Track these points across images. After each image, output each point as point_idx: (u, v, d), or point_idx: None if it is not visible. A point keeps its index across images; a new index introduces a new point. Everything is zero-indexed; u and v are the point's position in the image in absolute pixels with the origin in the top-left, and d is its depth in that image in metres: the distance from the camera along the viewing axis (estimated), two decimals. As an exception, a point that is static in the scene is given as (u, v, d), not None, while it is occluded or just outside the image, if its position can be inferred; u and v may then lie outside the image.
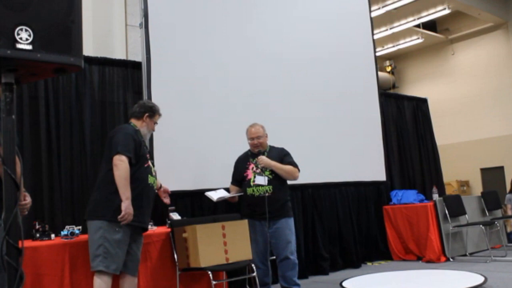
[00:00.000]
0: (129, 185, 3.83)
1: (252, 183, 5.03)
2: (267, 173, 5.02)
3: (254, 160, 5.11)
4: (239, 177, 5.19)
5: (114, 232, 3.81)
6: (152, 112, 4.29)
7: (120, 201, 3.79)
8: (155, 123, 4.36)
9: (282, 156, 5.15)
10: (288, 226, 5.05)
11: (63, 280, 4.05)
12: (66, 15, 1.80)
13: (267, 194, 4.94)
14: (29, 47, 1.68)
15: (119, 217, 3.76)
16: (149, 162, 4.15)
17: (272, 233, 5.02)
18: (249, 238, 4.79)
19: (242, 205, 5.27)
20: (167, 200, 4.66)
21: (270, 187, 4.98)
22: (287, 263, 5.00)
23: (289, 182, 5.24)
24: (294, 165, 5.12)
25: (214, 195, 5.11)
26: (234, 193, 5.20)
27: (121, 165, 3.83)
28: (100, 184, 3.99)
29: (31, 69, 1.79)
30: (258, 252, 4.99)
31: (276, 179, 5.03)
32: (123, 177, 3.82)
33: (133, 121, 4.25)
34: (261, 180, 4.99)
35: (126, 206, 3.78)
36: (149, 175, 4.09)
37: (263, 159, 5.03)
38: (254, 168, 5.08)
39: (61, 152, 5.12)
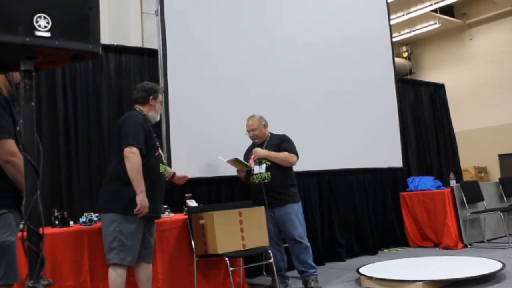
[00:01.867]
0: (142, 178, 3.77)
1: (253, 172, 5.19)
2: (264, 160, 5.16)
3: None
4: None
5: (128, 224, 3.77)
6: (155, 93, 4.19)
7: (133, 193, 3.74)
8: (160, 101, 4.28)
9: (280, 143, 5.25)
10: (294, 211, 5.13)
11: (82, 267, 4.10)
12: (84, 2, 1.81)
13: (265, 181, 5.09)
14: (48, 34, 1.69)
15: (135, 210, 3.71)
16: (159, 150, 4.10)
17: (279, 219, 5.13)
18: (266, 225, 4.82)
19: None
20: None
21: (268, 173, 5.11)
22: (299, 247, 5.07)
23: (304, 169, 5.30)
24: (290, 150, 5.19)
25: (225, 158, 5.22)
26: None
27: (132, 157, 3.76)
28: (111, 176, 3.93)
29: (50, 56, 1.80)
30: (270, 239, 5.02)
31: (275, 166, 5.14)
32: (135, 170, 3.75)
33: (139, 107, 4.14)
34: (258, 169, 5.16)
35: (141, 199, 3.73)
36: (160, 164, 4.05)
37: (257, 151, 5.18)
38: (254, 159, 5.22)
39: (79, 139, 5.16)
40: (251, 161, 5.27)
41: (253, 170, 5.19)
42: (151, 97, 4.14)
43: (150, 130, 4.02)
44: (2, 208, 2.54)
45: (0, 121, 2.55)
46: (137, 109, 4.13)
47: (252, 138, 5.32)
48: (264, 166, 5.14)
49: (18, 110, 2.45)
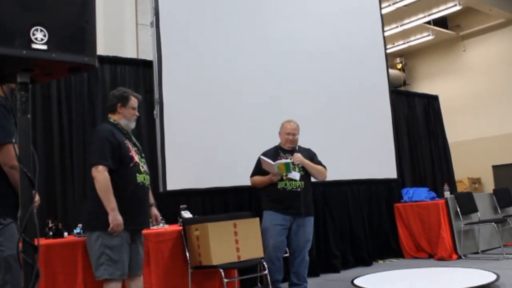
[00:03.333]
0: (111, 195, 3.65)
1: (284, 177, 5.02)
2: (298, 169, 5.05)
3: (286, 155, 5.11)
4: (265, 171, 5.10)
5: (112, 239, 3.67)
6: (124, 99, 3.94)
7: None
8: (134, 108, 3.97)
9: (312, 156, 5.23)
10: (311, 226, 5.15)
11: (76, 278, 4.08)
12: (81, 15, 1.83)
13: (298, 189, 4.99)
14: (44, 47, 1.70)
15: (109, 229, 3.62)
16: (136, 158, 3.87)
17: (296, 230, 5.04)
18: (261, 236, 4.81)
19: (266, 199, 5.21)
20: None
21: (302, 183, 5.03)
22: (304, 261, 5.07)
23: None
24: (323, 165, 5.22)
25: (269, 159, 4.98)
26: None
27: (98, 177, 3.65)
28: (90, 193, 3.79)
29: (46, 68, 1.81)
30: (276, 248, 4.99)
31: (306, 177, 5.09)
32: (103, 189, 3.64)
33: (111, 116, 3.96)
34: (297, 175, 5.00)
35: (113, 218, 3.62)
36: (137, 174, 3.84)
37: (299, 156, 5.05)
38: (295, 162, 5.04)
39: (74, 150, 5.15)
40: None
41: (287, 175, 4.99)
42: (119, 104, 3.92)
43: (119, 142, 3.79)
44: (7, 218, 2.54)
45: (5, 125, 2.55)
46: (109, 119, 3.95)
47: (291, 141, 5.17)
48: (298, 174, 5.03)
49: (14, 122, 2.45)
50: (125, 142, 3.87)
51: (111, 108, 3.97)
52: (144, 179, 3.91)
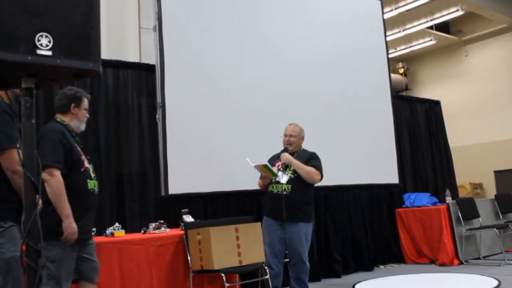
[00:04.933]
0: (66, 202, 3.32)
1: (273, 180, 5.02)
2: (289, 171, 5.01)
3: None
4: None
5: (51, 251, 3.28)
6: (78, 99, 3.65)
7: (58, 217, 3.29)
8: (86, 109, 3.70)
9: (309, 158, 5.13)
10: (304, 232, 4.99)
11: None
12: (85, 21, 1.83)
13: (284, 193, 4.93)
14: (49, 53, 1.71)
15: (62, 238, 3.27)
16: (86, 164, 3.59)
17: (288, 236, 4.98)
18: (262, 241, 4.81)
19: (265, 203, 5.28)
20: None
21: (289, 186, 4.95)
22: (302, 267, 5.00)
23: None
24: (316, 167, 5.07)
25: (253, 162, 4.96)
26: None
27: (51, 181, 3.30)
28: (44, 198, 3.25)
29: (51, 74, 1.82)
30: (273, 254, 4.98)
31: (297, 180, 4.99)
32: (57, 195, 3.30)
33: (60, 117, 3.63)
34: (283, 178, 4.97)
35: (67, 225, 3.27)
36: (88, 180, 3.55)
37: (285, 155, 5.02)
38: (279, 166, 5.06)
39: (76, 154, 5.15)
40: (275, 168, 5.07)
41: (275, 178, 4.98)
42: (72, 104, 3.62)
43: (71, 144, 3.51)
44: (8, 221, 2.56)
45: (8, 131, 2.58)
46: (57, 119, 3.62)
47: (287, 143, 5.14)
48: (286, 177, 4.98)
49: (18, 127, 2.47)
50: (75, 145, 3.62)
51: (62, 108, 3.65)
52: (94, 185, 3.63)
